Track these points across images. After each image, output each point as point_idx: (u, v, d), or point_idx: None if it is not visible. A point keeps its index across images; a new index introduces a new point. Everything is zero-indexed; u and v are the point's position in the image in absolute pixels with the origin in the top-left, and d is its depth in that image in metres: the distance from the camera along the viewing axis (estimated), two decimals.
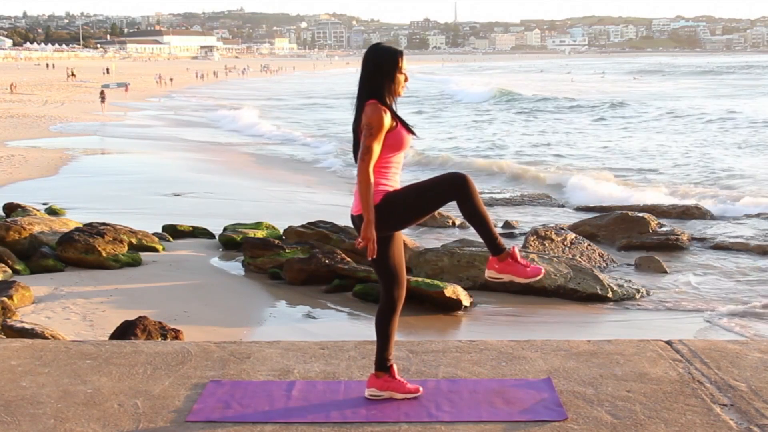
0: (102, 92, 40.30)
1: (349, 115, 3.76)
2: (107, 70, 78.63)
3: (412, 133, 3.68)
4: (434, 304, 7.47)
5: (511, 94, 45.47)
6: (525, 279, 3.69)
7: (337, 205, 13.36)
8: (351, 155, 3.79)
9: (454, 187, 3.59)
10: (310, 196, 15.26)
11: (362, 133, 3.56)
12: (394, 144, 3.60)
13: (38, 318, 6.82)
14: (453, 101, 47.13)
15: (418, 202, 3.62)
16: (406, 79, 3.64)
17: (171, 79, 69.81)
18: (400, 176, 3.71)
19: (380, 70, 3.59)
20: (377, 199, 3.59)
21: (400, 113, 3.67)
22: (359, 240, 3.57)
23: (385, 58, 3.61)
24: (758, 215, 13.02)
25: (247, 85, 70.55)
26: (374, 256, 3.57)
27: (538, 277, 3.69)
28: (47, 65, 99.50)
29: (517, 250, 3.71)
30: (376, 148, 3.54)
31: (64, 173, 16.93)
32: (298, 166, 20.42)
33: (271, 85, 72.27)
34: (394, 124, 3.59)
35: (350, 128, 3.75)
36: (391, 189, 3.63)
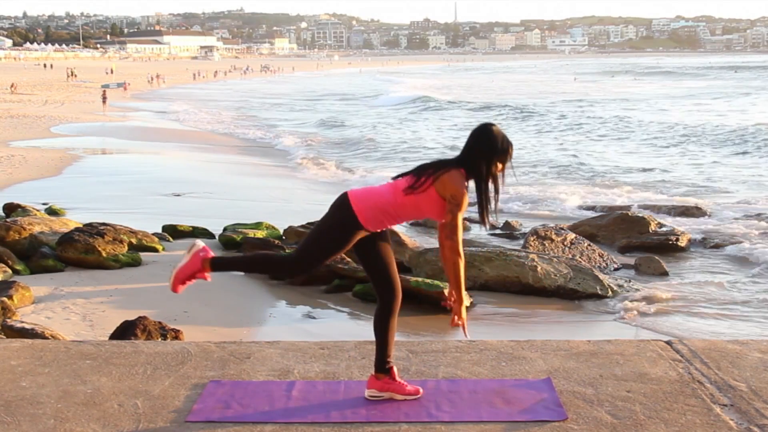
0: (104, 92, 41.51)
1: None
2: (111, 70, 79.91)
3: (483, 221, 3.66)
4: (434, 304, 7.46)
5: (429, 99, 44.99)
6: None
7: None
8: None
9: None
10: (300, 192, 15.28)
11: (448, 206, 3.54)
12: (438, 213, 3.61)
13: (38, 318, 6.82)
14: (371, 104, 46.11)
15: (324, 245, 3.66)
16: (504, 169, 3.64)
17: (157, 76, 70.11)
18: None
19: (488, 155, 3.57)
20: (363, 217, 3.58)
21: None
22: (454, 319, 3.65)
23: (496, 146, 3.57)
24: (758, 215, 13.02)
25: (234, 86, 69.98)
26: (467, 336, 3.65)
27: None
28: (45, 65, 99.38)
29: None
30: (461, 225, 3.58)
31: (64, 173, 16.92)
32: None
33: (262, 86, 71.79)
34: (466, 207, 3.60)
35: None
36: (370, 227, 3.62)
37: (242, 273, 8.83)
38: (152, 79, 70.89)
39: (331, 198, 3.76)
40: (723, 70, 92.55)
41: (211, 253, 3.73)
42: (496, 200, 3.66)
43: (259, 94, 56.29)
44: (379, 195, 3.63)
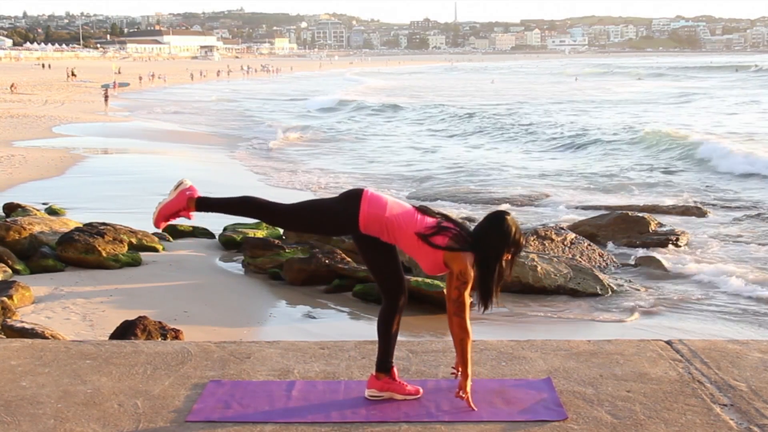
0: (105, 91, 42.24)
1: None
2: (119, 70, 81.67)
3: (484, 305, 3.69)
4: (434, 304, 7.46)
5: (347, 102, 44.55)
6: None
7: None
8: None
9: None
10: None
11: (455, 280, 3.56)
12: (429, 268, 3.64)
13: (38, 318, 6.82)
14: (297, 105, 45.69)
15: (314, 220, 3.71)
16: (514, 261, 3.67)
17: (152, 75, 69.92)
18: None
19: (499, 244, 3.57)
20: (362, 218, 3.58)
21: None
22: (458, 393, 3.66)
23: (509, 237, 3.57)
24: (758, 215, 13.03)
25: (222, 86, 69.62)
26: (474, 409, 3.64)
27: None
28: (43, 65, 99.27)
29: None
30: (468, 301, 3.60)
31: (64, 173, 16.92)
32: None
33: (254, 86, 71.47)
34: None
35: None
36: (367, 232, 3.62)
37: (243, 273, 8.86)
38: (151, 77, 71.33)
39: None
40: (720, 70, 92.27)
41: (198, 193, 3.74)
42: (500, 287, 3.68)
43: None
44: (391, 212, 3.60)
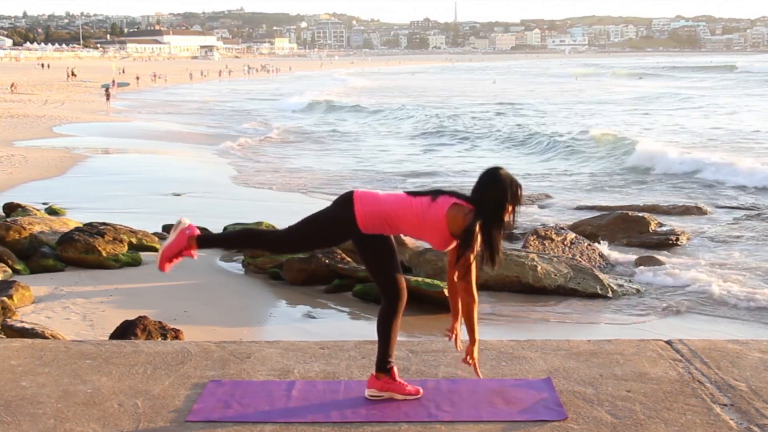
0: (107, 90, 43.29)
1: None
2: (123, 70, 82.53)
3: (493, 260, 3.67)
4: (434, 304, 7.46)
5: (317, 103, 44.38)
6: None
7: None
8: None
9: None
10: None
11: (459, 244, 3.55)
12: (443, 243, 3.63)
13: (38, 318, 6.82)
14: (271, 107, 45.21)
15: (313, 236, 3.70)
16: (515, 212, 3.64)
17: (137, 78, 69.32)
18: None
19: (497, 198, 3.56)
20: (363, 219, 3.58)
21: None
22: (466, 358, 3.69)
23: (506, 189, 3.56)
24: (758, 215, 13.03)
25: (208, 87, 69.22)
26: (479, 376, 3.69)
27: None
28: (43, 65, 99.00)
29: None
30: (474, 264, 3.59)
31: (65, 173, 16.93)
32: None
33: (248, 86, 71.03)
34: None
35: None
36: (367, 230, 3.62)
37: (243, 273, 8.86)
38: (153, 77, 71.72)
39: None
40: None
41: (197, 231, 3.74)
42: (502, 238, 3.68)
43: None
44: (385, 203, 3.62)
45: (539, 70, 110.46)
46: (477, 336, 3.67)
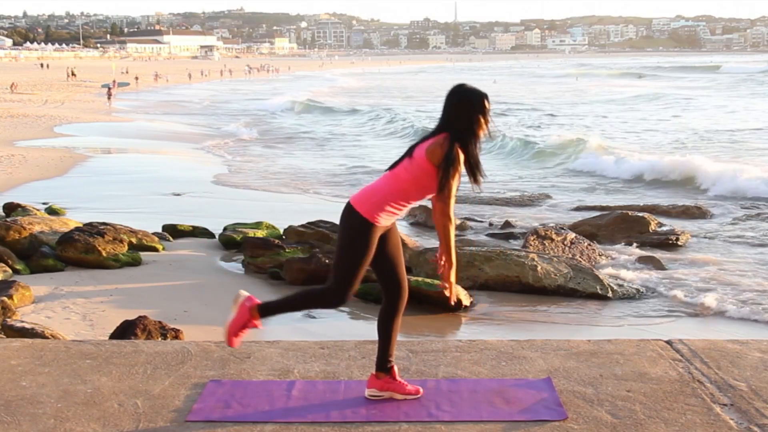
0: (109, 90, 43.43)
1: None
2: (126, 70, 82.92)
3: (477, 180, 3.64)
4: (434, 304, 7.46)
5: (294, 104, 44.20)
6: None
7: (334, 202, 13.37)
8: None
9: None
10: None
11: (439, 170, 3.51)
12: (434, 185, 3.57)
13: (38, 318, 6.82)
14: (256, 107, 44.81)
15: (347, 260, 3.62)
16: (487, 122, 3.60)
17: (137, 78, 68.85)
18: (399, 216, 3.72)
19: (465, 111, 3.54)
20: (371, 217, 3.57)
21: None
22: (443, 282, 3.63)
23: (471, 101, 3.55)
24: (757, 215, 13.03)
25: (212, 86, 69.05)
26: (455, 302, 3.60)
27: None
28: (42, 65, 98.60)
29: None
30: (455, 188, 3.53)
31: (65, 173, 16.93)
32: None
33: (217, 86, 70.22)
34: (461, 169, 3.56)
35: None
36: (380, 221, 3.59)
37: (243, 272, 8.86)
38: (155, 77, 72.30)
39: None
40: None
41: (257, 300, 3.71)
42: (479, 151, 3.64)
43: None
44: (380, 188, 3.62)
45: (534, 70, 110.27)
46: (453, 260, 3.60)
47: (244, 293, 3.76)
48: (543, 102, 46.15)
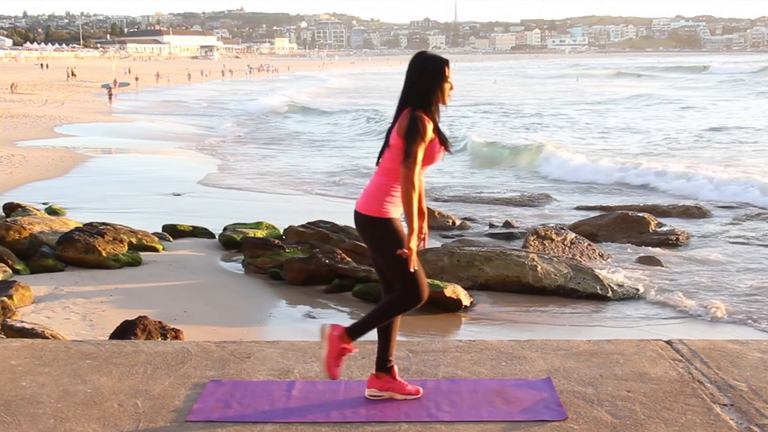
0: (110, 90, 43.81)
1: None
2: (129, 70, 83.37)
3: (447, 149, 3.64)
4: (434, 304, 7.46)
5: (294, 104, 43.92)
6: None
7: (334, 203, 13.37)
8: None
9: (409, 298, 3.60)
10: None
11: (404, 140, 3.49)
12: (426, 157, 3.56)
13: (38, 318, 6.82)
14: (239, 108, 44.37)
15: (385, 258, 3.61)
16: (451, 88, 3.60)
17: (137, 79, 68.08)
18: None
19: (428, 79, 3.54)
20: (380, 212, 3.56)
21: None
22: (402, 249, 3.53)
23: (432, 67, 3.56)
24: (758, 215, 13.03)
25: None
26: (415, 269, 3.54)
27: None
28: (41, 65, 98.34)
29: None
30: (420, 154, 3.50)
31: (65, 173, 16.93)
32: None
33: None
34: (433, 136, 3.55)
35: None
36: (394, 215, 3.59)
37: (243, 273, 8.86)
38: (156, 77, 73.09)
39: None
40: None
41: (341, 326, 3.69)
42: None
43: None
44: (377, 186, 3.62)
45: (528, 71, 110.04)
46: (414, 226, 3.53)
47: (327, 324, 3.72)
48: (523, 102, 46.07)
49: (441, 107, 3.62)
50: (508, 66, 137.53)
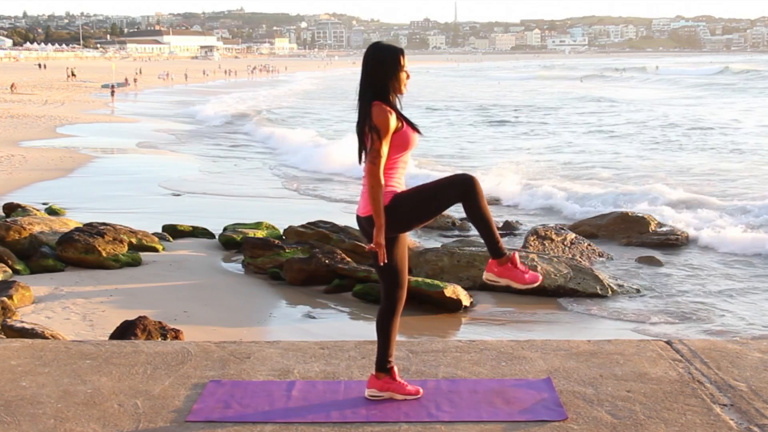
0: (112, 88, 44.92)
1: None
2: (140, 70, 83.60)
3: (418, 131, 3.67)
4: (434, 304, 7.46)
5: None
6: (522, 285, 3.68)
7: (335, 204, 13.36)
8: None
9: (462, 188, 3.55)
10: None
11: (368, 136, 3.52)
12: (400, 144, 3.57)
13: (38, 318, 6.82)
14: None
15: (426, 204, 3.59)
16: (407, 77, 3.61)
17: (135, 80, 66.86)
18: (405, 176, 3.71)
19: (383, 69, 3.55)
20: (386, 201, 3.58)
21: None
22: (371, 245, 3.54)
23: (387, 57, 3.57)
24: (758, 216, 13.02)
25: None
26: (385, 262, 3.55)
27: (535, 284, 3.69)
28: (40, 65, 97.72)
29: (517, 256, 3.70)
30: (385, 150, 3.51)
31: (65, 173, 16.93)
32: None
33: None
34: (400, 124, 3.55)
35: None
36: (398, 190, 3.60)
37: (243, 273, 8.86)
38: (165, 76, 74.46)
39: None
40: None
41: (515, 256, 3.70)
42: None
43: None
44: (370, 197, 3.62)
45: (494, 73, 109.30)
46: (382, 221, 3.52)
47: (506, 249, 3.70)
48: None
49: (398, 96, 3.62)
50: (510, 66, 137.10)
